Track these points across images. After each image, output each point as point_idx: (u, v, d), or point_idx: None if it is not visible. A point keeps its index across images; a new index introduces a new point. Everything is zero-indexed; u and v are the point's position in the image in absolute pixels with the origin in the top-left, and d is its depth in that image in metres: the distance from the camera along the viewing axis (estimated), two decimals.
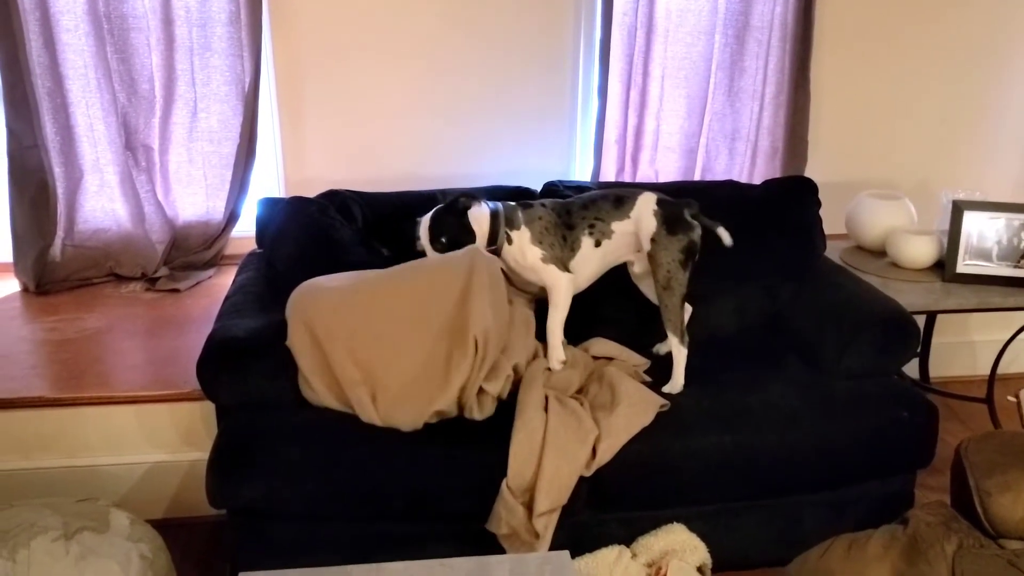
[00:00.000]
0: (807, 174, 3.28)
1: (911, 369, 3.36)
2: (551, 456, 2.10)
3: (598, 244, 2.43)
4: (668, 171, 3.33)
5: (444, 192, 2.80)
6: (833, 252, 3.02)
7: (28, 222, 3.00)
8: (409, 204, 2.69)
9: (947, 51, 3.35)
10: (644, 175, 3.33)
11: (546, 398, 2.22)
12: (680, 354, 2.39)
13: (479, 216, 2.39)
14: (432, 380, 2.18)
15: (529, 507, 2.09)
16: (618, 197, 2.46)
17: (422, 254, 2.40)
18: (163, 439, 2.51)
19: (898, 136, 3.42)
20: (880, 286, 2.70)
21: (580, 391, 2.36)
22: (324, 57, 3.11)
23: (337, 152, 3.22)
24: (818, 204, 2.80)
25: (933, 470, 2.45)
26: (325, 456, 2.11)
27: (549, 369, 2.36)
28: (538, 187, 2.87)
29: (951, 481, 2.03)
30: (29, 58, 2.84)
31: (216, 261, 3.26)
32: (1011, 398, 3.29)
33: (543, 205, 2.47)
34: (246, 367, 2.18)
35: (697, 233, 2.40)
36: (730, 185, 2.96)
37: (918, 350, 3.32)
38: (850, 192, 3.18)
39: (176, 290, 3.07)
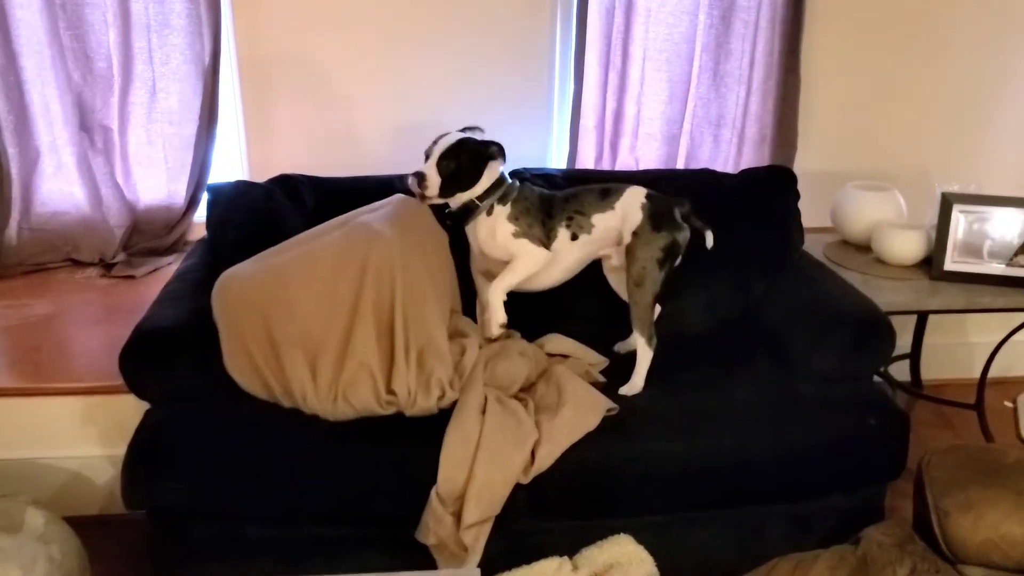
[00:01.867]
0: (797, 163, 3.12)
1: (902, 371, 3.19)
2: (483, 463, 1.97)
3: (574, 238, 2.32)
4: (649, 158, 3.17)
5: (401, 177, 2.68)
6: (817, 246, 2.87)
7: None
8: (363, 189, 2.56)
9: (948, 33, 3.15)
10: (624, 163, 3.18)
11: (485, 398, 2.09)
12: (645, 355, 2.25)
13: (493, 172, 2.31)
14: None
15: (459, 516, 1.96)
16: (605, 189, 2.35)
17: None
18: (99, 433, 2.42)
19: (894, 124, 3.23)
20: (861, 283, 2.54)
21: (527, 390, 2.23)
22: (289, 36, 2.99)
23: (303, 135, 3.10)
24: (797, 195, 2.65)
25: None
26: (247, 453, 2.01)
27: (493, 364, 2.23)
28: (512, 172, 2.73)
29: (914, 497, 1.89)
30: None
31: (178, 247, 3.15)
32: (1008, 403, 3.12)
33: (531, 191, 2.37)
34: (171, 359, 2.08)
35: (684, 235, 2.29)
36: (706, 174, 2.80)
37: (909, 351, 3.16)
38: (842, 183, 3.01)
39: (132, 276, 2.97)
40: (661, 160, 3.17)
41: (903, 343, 3.15)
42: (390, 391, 2.06)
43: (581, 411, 2.08)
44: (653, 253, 2.24)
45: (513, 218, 2.29)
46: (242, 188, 2.48)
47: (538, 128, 3.18)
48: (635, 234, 2.25)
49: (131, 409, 2.36)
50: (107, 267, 3.04)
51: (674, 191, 2.38)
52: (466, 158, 2.26)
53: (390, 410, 2.07)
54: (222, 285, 2.13)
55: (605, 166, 3.16)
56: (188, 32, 2.90)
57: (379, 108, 3.08)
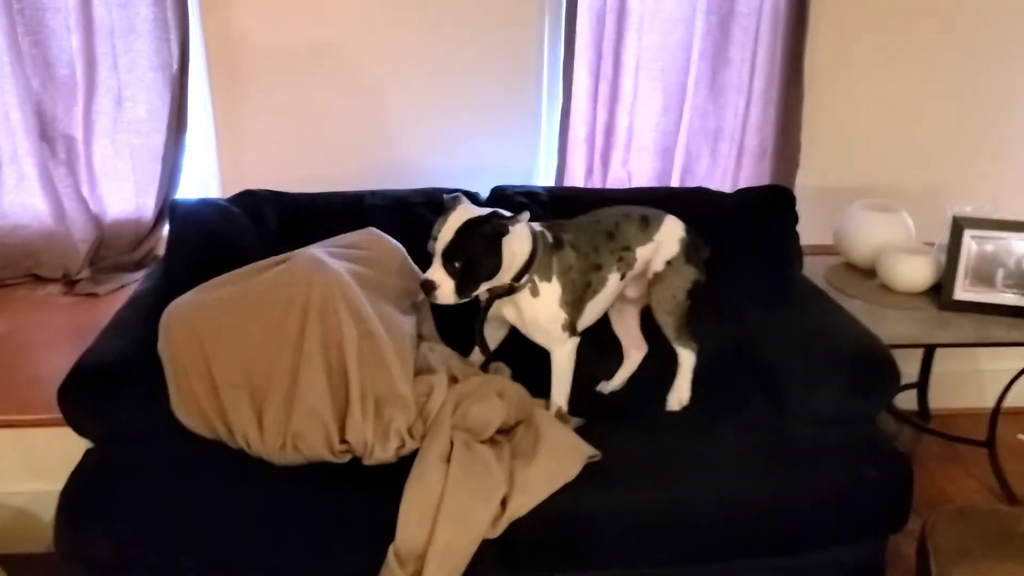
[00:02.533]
0: (799, 179, 2.95)
1: (909, 400, 3.01)
2: (447, 522, 1.80)
3: (623, 277, 2.17)
4: (642, 173, 3.01)
5: (373, 193, 2.53)
6: (819, 269, 2.70)
7: None
8: (331, 207, 2.41)
9: (961, 41, 2.95)
10: (616, 177, 3.01)
11: (451, 443, 1.93)
12: (689, 363, 2.19)
13: (518, 246, 1.97)
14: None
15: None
16: (643, 217, 2.20)
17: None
18: (48, 467, 2.26)
19: (904, 138, 3.05)
20: (864, 312, 2.37)
21: (505, 432, 2.05)
22: (262, 42, 2.83)
23: (278, 144, 2.94)
24: (795, 218, 2.47)
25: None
26: (192, 501, 1.85)
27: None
28: (488, 190, 2.59)
29: (916, 560, 1.71)
30: None
31: (147, 262, 2.98)
32: (1021, 436, 2.93)
33: (571, 244, 2.08)
34: (112, 397, 1.92)
35: (703, 278, 2.21)
36: (701, 193, 2.63)
37: (916, 379, 2.98)
38: (848, 200, 2.83)
39: (95, 295, 2.82)
40: (655, 174, 3.00)
41: (911, 370, 2.97)
42: (344, 440, 1.90)
43: (558, 459, 1.92)
44: (684, 284, 2.17)
45: (564, 302, 2.04)
46: (198, 207, 2.33)
47: (525, 140, 3.01)
48: (669, 263, 2.16)
49: (83, 443, 2.22)
50: (70, 284, 2.89)
51: (666, 210, 2.23)
52: (479, 245, 1.90)
53: (344, 459, 1.91)
54: (166, 318, 1.97)
55: (596, 181, 2.99)
56: (154, 38, 2.74)
57: (357, 117, 2.92)
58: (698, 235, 2.23)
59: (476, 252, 1.90)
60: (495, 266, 1.93)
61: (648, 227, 2.18)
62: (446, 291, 1.90)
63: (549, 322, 2.05)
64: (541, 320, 2.05)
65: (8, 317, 2.68)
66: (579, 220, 2.19)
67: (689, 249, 2.19)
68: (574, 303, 2.07)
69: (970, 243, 2.43)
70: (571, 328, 2.07)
